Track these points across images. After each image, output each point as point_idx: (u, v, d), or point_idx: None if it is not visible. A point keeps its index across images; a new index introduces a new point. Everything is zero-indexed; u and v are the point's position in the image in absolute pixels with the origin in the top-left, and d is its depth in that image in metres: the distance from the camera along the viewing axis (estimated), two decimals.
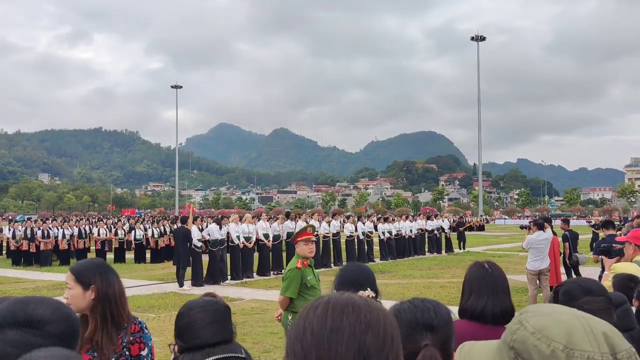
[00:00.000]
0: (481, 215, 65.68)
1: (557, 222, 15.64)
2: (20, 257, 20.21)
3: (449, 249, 24.93)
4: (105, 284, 2.10)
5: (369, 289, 2.58)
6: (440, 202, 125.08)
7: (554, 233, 11.65)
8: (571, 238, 12.78)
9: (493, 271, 2.51)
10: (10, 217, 24.88)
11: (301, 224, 18.71)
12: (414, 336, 1.53)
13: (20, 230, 20.43)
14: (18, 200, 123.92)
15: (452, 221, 31.38)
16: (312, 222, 19.54)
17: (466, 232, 28.65)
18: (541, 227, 9.94)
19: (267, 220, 18.31)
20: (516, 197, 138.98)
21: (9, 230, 21.10)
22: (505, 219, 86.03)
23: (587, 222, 52.52)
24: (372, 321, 0.95)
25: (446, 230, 25.22)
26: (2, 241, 22.52)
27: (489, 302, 2.44)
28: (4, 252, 22.24)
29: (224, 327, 1.52)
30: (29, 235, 20.13)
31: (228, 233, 16.25)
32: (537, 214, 73.40)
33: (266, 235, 17.01)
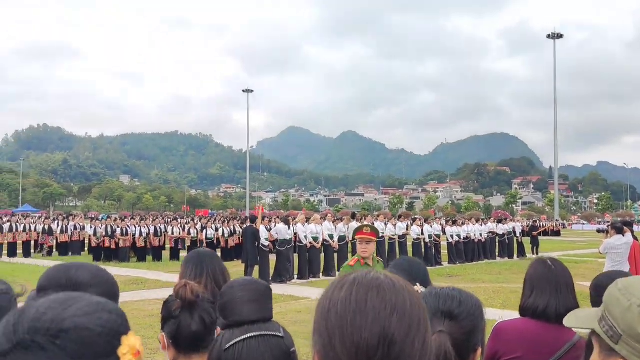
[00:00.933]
0: (557, 220, 63.13)
1: (637, 229, 14.85)
2: (100, 253, 21.34)
3: (521, 253, 24.13)
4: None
5: (418, 284, 2.54)
6: (513, 206, 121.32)
7: (635, 238, 11.05)
8: None
9: (556, 268, 2.42)
10: (93, 216, 26.34)
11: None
12: (432, 322, 1.46)
13: (101, 228, 21.55)
14: (101, 201, 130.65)
15: (524, 225, 30.38)
16: (378, 223, 19.48)
17: (540, 237, 27.63)
18: (620, 231, 9.45)
19: (333, 222, 18.40)
20: (596, 201, 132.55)
21: (91, 227, 22.30)
22: (583, 224, 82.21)
23: None
24: (397, 304, 0.93)
25: (518, 235, 24.44)
26: (84, 238, 23.81)
27: (552, 300, 2.36)
28: (86, 248, 23.51)
29: (263, 306, 1.54)
30: (109, 233, 21.23)
31: (296, 233, 16.50)
32: (619, 219, 69.70)
33: (331, 236, 17.11)
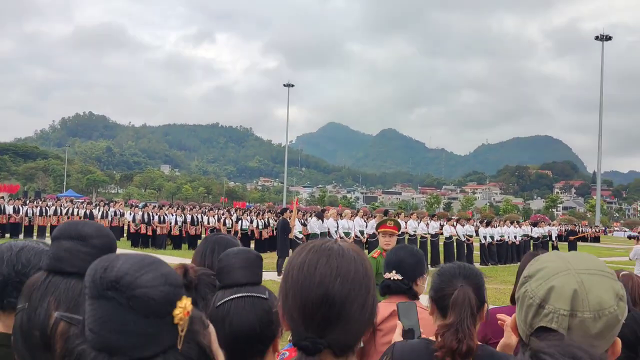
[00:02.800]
0: (597, 226, 61.57)
1: None
2: (138, 239, 22.03)
3: None
4: None
5: (394, 271, 2.70)
6: (554, 210, 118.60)
7: None
8: None
9: None
10: (133, 204, 27.26)
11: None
12: (452, 281, 2.00)
13: (139, 215, 22.25)
14: (141, 189, 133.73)
15: (561, 230, 29.87)
16: (411, 222, 19.55)
17: (579, 243, 27.13)
18: None
19: (365, 219, 18.58)
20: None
21: (130, 214, 23.03)
22: (625, 231, 79.81)
23: None
24: (342, 270, 1.10)
25: (554, 239, 24.09)
26: (124, 224, 24.60)
27: None
28: (125, 234, 24.28)
29: (253, 272, 1.72)
30: (146, 220, 21.90)
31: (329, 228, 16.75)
32: None
33: (362, 232, 17.29)
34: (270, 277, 14.63)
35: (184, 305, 0.88)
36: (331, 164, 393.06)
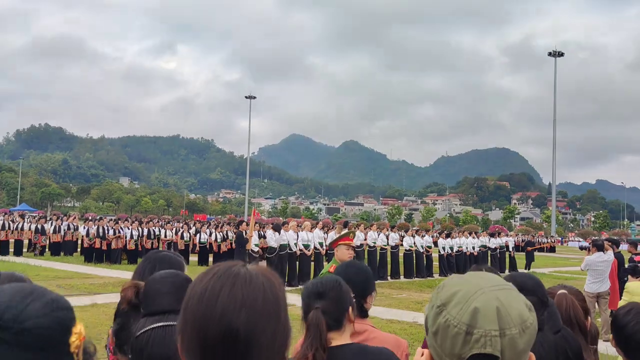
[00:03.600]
0: (552, 236, 63.10)
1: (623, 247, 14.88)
2: (92, 254, 21.34)
3: (513, 268, 24.15)
4: None
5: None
6: (512, 221, 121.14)
7: (621, 256, 11.12)
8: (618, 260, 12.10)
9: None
10: (89, 217, 26.47)
11: (358, 234, 18.76)
12: (309, 302, 2.10)
13: (93, 229, 21.59)
14: (99, 202, 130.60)
15: (518, 240, 30.43)
16: (371, 233, 19.55)
17: (535, 253, 27.63)
18: (601, 248, 9.52)
19: (325, 230, 18.47)
20: (593, 219, 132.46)
21: (84, 228, 22.34)
22: (579, 241, 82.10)
23: None
24: (247, 299, 0.96)
25: (511, 249, 24.48)
26: (77, 239, 23.84)
27: None
28: (78, 249, 23.53)
29: (179, 298, 1.60)
30: (101, 234, 21.26)
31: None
32: (616, 238, 69.59)
33: (321, 244, 17.17)
34: None
35: (79, 331, 0.79)
36: (294, 176, 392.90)
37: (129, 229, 21.92)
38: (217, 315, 0.95)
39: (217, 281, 0.98)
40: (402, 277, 19.51)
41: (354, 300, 2.53)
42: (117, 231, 21.50)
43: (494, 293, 1.02)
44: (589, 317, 2.52)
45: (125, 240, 21.51)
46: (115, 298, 11.81)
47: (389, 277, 19.22)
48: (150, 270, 2.17)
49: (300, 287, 16.15)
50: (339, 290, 2.15)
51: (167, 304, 1.58)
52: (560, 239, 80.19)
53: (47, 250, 23.79)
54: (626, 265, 9.77)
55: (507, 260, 24.32)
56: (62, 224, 24.13)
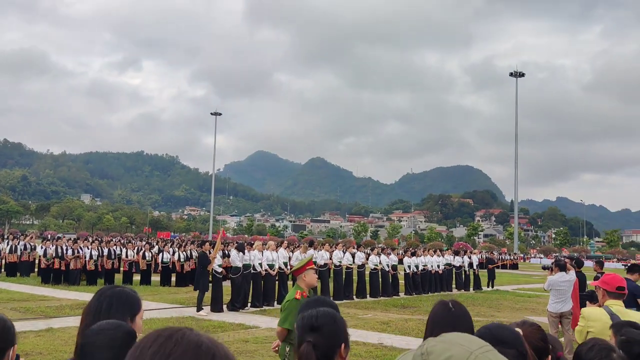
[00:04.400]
0: (515, 253, 64.14)
1: (589, 264, 15.15)
2: (49, 275, 20.60)
3: (477, 286, 24.37)
4: None
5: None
6: (475, 237, 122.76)
7: (582, 274, 11.28)
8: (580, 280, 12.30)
9: (456, 310, 2.43)
10: (48, 236, 25.53)
11: (323, 253, 18.63)
12: (302, 334, 2.14)
13: (51, 249, 20.89)
14: (59, 220, 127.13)
15: (482, 258, 30.75)
16: (336, 252, 19.44)
17: (498, 270, 27.94)
18: (563, 269, 9.63)
19: (290, 249, 18.29)
20: (554, 236, 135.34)
21: (41, 248, 21.60)
22: (541, 257, 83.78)
23: (623, 265, 50.69)
24: None
25: (475, 267, 24.70)
26: (35, 259, 23.04)
27: None
28: (36, 269, 22.74)
29: (116, 355, 1.44)
30: (59, 254, 20.57)
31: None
32: (576, 254, 71.14)
33: (286, 264, 16.99)
34: (190, 314, 14.05)
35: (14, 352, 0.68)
36: (259, 193, 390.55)
37: (88, 248, 21.28)
38: None
39: (165, 348, 0.90)
40: (368, 296, 19.43)
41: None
42: (75, 251, 20.85)
43: (485, 355, 1.04)
44: (549, 357, 2.42)
45: (85, 261, 20.86)
46: (72, 322, 11.29)
47: (354, 297, 19.12)
48: (107, 309, 2.00)
49: (265, 307, 15.93)
50: (332, 326, 2.18)
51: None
52: (522, 255, 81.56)
53: (2, 270, 22.93)
54: (588, 285, 9.87)
55: (472, 278, 24.51)
56: (18, 244, 23.31)
